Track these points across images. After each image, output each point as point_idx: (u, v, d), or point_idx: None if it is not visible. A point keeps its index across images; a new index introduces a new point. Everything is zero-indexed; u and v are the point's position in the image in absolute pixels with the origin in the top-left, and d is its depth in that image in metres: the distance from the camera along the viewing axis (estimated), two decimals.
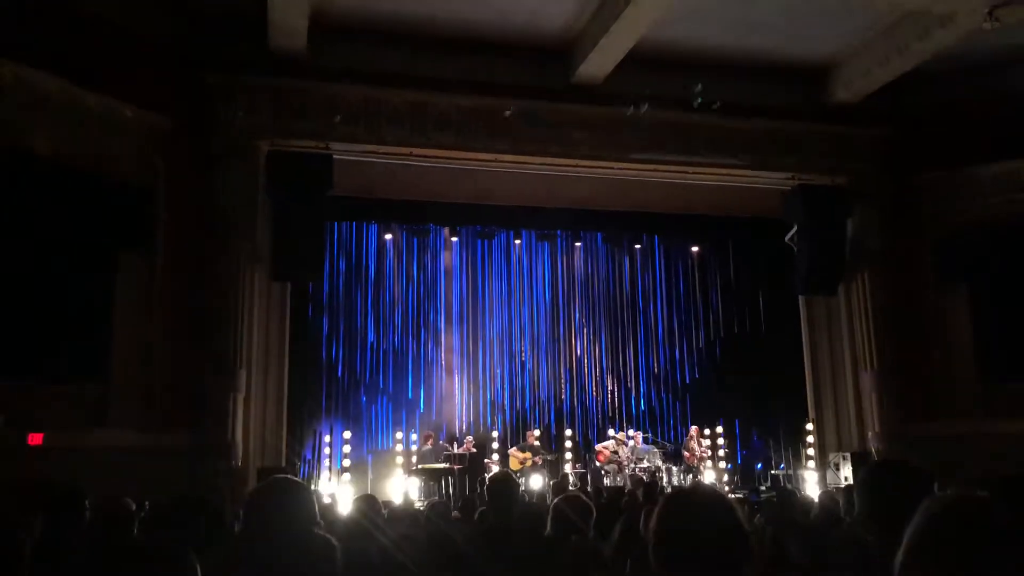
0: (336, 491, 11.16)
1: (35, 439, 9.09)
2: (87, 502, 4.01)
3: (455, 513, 6.47)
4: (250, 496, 2.23)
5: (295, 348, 12.06)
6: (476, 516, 3.85)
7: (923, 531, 1.28)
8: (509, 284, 15.42)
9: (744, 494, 11.72)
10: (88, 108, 9.99)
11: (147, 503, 5.32)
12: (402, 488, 12.30)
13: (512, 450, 13.46)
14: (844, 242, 13.37)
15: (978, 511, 1.30)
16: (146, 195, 10.62)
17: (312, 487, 10.07)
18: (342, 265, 14.15)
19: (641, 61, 11.82)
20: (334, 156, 11.67)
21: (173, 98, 10.87)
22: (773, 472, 13.78)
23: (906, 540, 1.30)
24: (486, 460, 12.94)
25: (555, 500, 3.74)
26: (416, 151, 12.10)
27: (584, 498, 3.75)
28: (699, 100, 11.13)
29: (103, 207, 10.06)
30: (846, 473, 12.30)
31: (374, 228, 14.55)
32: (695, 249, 15.85)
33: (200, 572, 2.02)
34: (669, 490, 11.29)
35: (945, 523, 1.28)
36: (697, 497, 1.94)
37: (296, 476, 11.01)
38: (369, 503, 4.12)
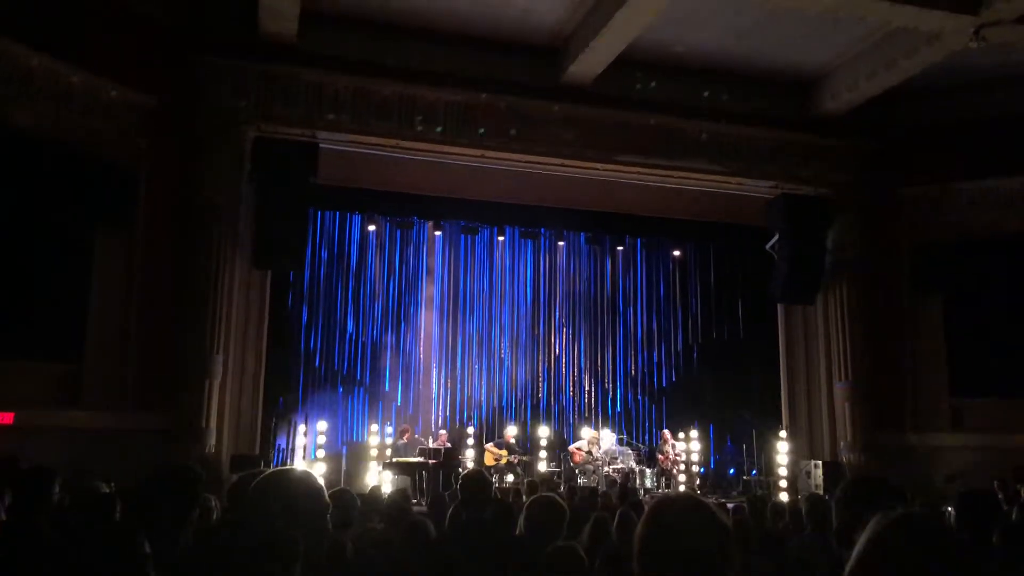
0: None
1: (5, 418, 8.99)
2: (56, 483, 3.98)
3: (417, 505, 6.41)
4: (239, 485, 2.19)
5: (273, 336, 11.98)
6: (449, 514, 3.86)
7: (869, 546, 1.32)
8: (491, 280, 15.44)
9: (714, 499, 11.80)
10: (72, 85, 9.86)
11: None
12: (375, 481, 12.27)
13: (489, 445, 13.50)
14: (823, 252, 13.51)
15: (923, 529, 1.33)
16: (128, 175, 10.50)
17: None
18: (324, 255, 14.08)
19: (631, 63, 11.86)
20: (320, 144, 11.61)
21: (159, 78, 10.76)
22: (745, 478, 13.89)
23: (855, 553, 1.34)
24: (460, 456, 12.94)
25: (528, 500, 3.75)
26: (403, 143, 12.06)
27: (557, 499, 3.77)
28: None
29: (83, 185, 9.95)
30: (817, 481, 12.43)
31: (357, 219, 14.49)
32: (676, 253, 15.93)
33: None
34: (642, 493, 11.38)
35: (890, 540, 1.32)
36: (682, 504, 1.96)
37: (269, 464, 10.99)
38: (343, 498, 4.11)
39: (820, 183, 13.47)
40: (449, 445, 12.84)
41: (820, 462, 12.76)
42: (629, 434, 14.73)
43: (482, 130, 12.07)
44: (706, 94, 12.80)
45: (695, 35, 11.67)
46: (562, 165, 12.83)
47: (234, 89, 11.18)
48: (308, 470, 2.41)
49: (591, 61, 11.63)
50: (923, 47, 11.16)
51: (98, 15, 10.09)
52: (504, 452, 13.22)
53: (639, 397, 15.67)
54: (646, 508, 2.05)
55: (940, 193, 13.40)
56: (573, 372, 15.60)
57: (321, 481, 2.18)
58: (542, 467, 12.98)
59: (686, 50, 12.10)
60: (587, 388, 15.55)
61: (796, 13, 10.74)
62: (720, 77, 12.73)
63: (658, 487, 13.14)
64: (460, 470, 12.14)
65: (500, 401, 15.03)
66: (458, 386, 14.98)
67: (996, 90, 12.64)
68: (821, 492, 11.75)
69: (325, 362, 13.88)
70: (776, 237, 13.70)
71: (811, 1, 10.17)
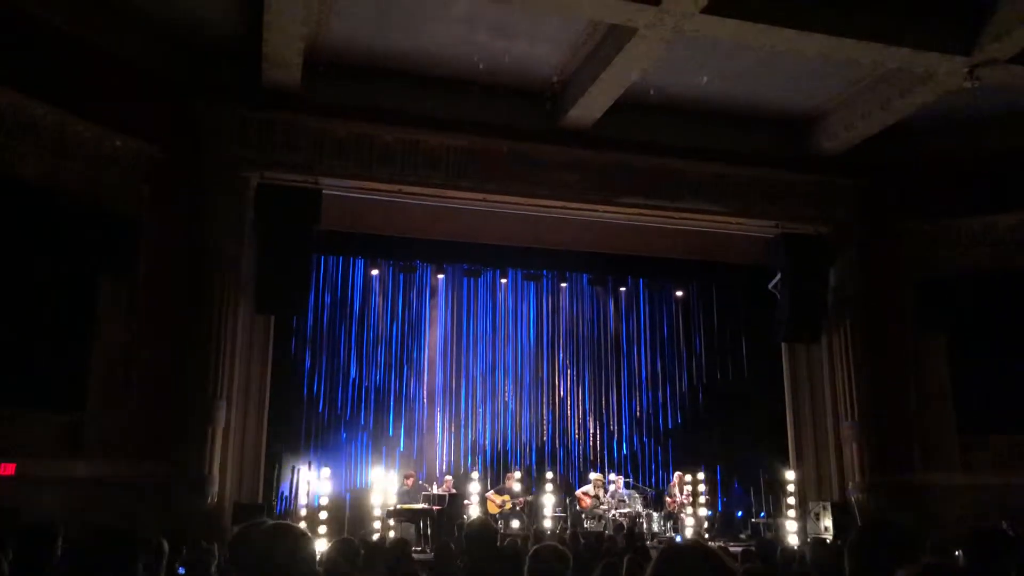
0: (312, 529, 10.99)
1: (7, 469, 8.92)
2: (59, 539, 3.93)
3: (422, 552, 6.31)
4: (237, 539, 2.19)
5: (276, 382, 11.94)
6: (457, 564, 3.81)
7: None
8: (494, 323, 15.42)
9: (722, 542, 11.65)
10: (77, 135, 9.97)
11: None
12: (378, 527, 12.13)
13: (489, 494, 13.25)
14: (826, 291, 13.50)
15: None
16: (131, 223, 10.53)
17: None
18: (327, 299, 14.10)
19: (630, 106, 11.99)
20: (323, 190, 11.70)
21: (163, 127, 10.87)
22: (754, 520, 13.71)
23: None
24: (465, 501, 12.78)
25: (532, 548, 3.71)
26: (405, 188, 12.15)
27: (561, 547, 3.72)
28: None
29: (87, 234, 9.98)
30: (826, 523, 12.26)
31: (360, 263, 14.54)
32: (679, 293, 15.93)
33: None
34: (650, 537, 11.23)
35: None
36: (691, 553, 1.95)
37: (272, 512, 10.88)
38: (346, 547, 4.07)
39: (820, 222, 13.52)
40: (454, 491, 12.70)
41: (829, 503, 12.59)
42: (635, 476, 14.58)
43: (485, 175, 12.16)
44: (705, 135, 12.93)
45: (692, 78, 11.81)
46: (564, 208, 12.91)
47: (237, 137, 11.29)
48: (290, 523, 2.41)
49: (591, 105, 11.76)
50: (918, 87, 11.29)
51: (102, 66, 10.24)
52: (506, 497, 13.04)
53: (644, 439, 15.55)
54: (655, 555, 2.03)
55: (941, 229, 13.41)
56: (578, 414, 15.49)
57: (323, 528, 2.17)
58: (547, 511, 12.82)
59: (684, 93, 12.25)
60: (592, 430, 15.43)
61: (791, 56, 10.87)
62: (718, 118, 12.86)
63: (665, 531, 12.97)
64: (465, 516, 12.00)
65: (504, 444, 14.92)
66: (462, 430, 14.87)
67: (993, 126, 12.74)
68: (831, 534, 11.61)
69: (328, 407, 13.81)
70: (778, 276, 13.71)
71: (805, 44, 10.31)
